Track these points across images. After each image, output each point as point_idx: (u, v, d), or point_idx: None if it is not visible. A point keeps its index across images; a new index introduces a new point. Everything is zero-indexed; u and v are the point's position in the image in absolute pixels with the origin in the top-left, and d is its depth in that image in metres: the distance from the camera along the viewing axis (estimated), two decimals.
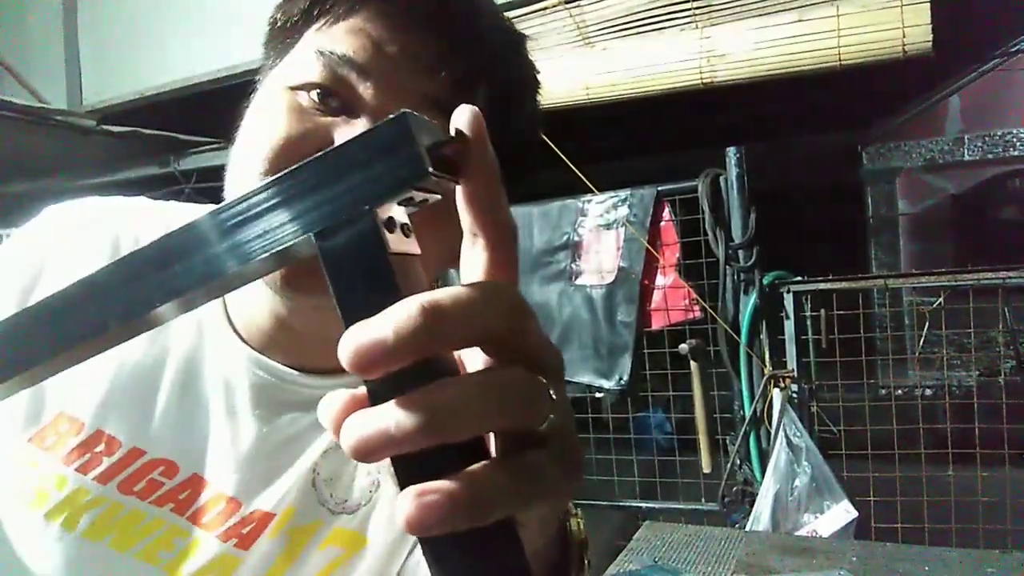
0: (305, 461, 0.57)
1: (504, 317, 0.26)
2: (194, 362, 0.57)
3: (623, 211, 2.35)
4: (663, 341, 2.39)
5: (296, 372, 0.57)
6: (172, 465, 0.55)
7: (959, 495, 2.05)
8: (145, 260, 0.27)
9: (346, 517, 0.58)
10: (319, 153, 0.25)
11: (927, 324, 2.17)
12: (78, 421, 0.55)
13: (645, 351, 2.39)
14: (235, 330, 0.58)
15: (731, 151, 2.22)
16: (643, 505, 2.45)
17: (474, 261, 0.28)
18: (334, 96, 0.50)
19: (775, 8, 2.19)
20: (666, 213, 2.33)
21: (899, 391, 2.59)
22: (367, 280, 0.25)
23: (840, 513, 1.96)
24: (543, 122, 0.60)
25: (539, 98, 0.59)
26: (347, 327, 0.24)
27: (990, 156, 5.04)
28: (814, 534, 1.94)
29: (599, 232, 2.38)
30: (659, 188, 2.32)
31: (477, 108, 0.27)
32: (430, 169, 0.24)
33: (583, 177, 2.36)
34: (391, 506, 0.58)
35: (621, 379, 2.36)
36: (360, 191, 0.25)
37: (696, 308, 2.27)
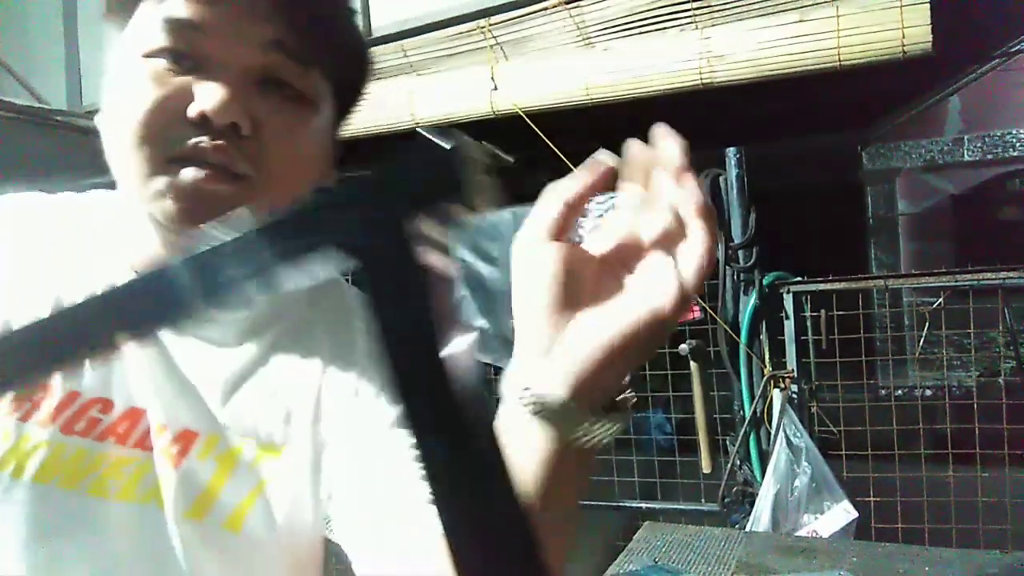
0: (221, 388, 0.62)
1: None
2: None
3: None
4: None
5: None
6: (107, 402, 0.59)
7: (959, 495, 2.05)
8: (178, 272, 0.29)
9: (265, 437, 0.62)
10: (375, 170, 0.29)
11: (927, 324, 2.17)
12: None
13: None
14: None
15: (731, 151, 2.21)
16: (643, 505, 2.44)
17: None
18: (185, 57, 0.55)
19: (775, 8, 2.19)
20: None
21: (899, 391, 2.59)
22: (400, 286, 0.28)
23: (840, 513, 1.96)
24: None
25: (364, 36, 0.66)
26: (378, 329, 0.28)
27: (990, 156, 5.04)
28: (814, 534, 1.94)
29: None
30: None
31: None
32: (474, 201, 0.28)
33: None
34: (308, 423, 0.64)
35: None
36: (404, 206, 0.28)
37: (696, 308, 2.27)
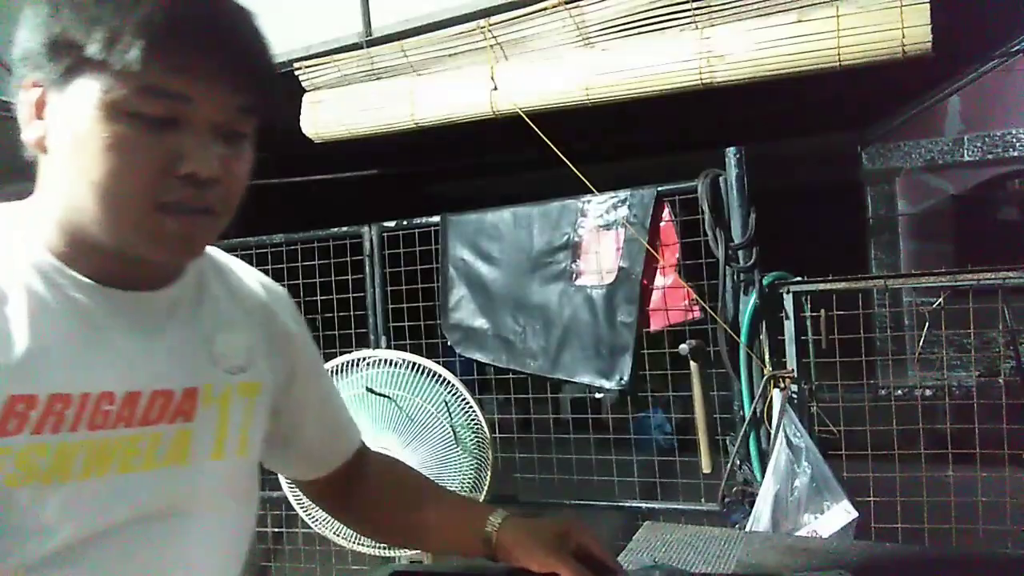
0: (199, 346, 0.75)
1: None
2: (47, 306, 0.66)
3: (623, 211, 2.35)
4: (663, 341, 2.39)
5: (129, 291, 0.70)
6: (110, 395, 0.67)
7: (959, 495, 2.05)
8: None
9: (243, 375, 0.79)
10: None
11: (927, 324, 2.17)
12: (32, 396, 0.62)
13: (645, 351, 2.39)
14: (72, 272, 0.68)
15: (731, 151, 2.21)
16: (643, 505, 2.44)
17: None
18: (168, 121, 0.63)
19: (775, 8, 2.20)
20: (666, 213, 2.33)
21: (899, 391, 2.59)
22: None
23: (840, 513, 1.96)
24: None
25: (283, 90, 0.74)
26: None
27: (990, 156, 5.05)
28: (814, 534, 1.94)
29: (599, 232, 2.37)
30: (659, 188, 2.32)
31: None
32: None
33: (583, 177, 2.36)
34: (267, 353, 0.82)
35: (621, 379, 2.36)
36: None
37: (696, 308, 2.27)
